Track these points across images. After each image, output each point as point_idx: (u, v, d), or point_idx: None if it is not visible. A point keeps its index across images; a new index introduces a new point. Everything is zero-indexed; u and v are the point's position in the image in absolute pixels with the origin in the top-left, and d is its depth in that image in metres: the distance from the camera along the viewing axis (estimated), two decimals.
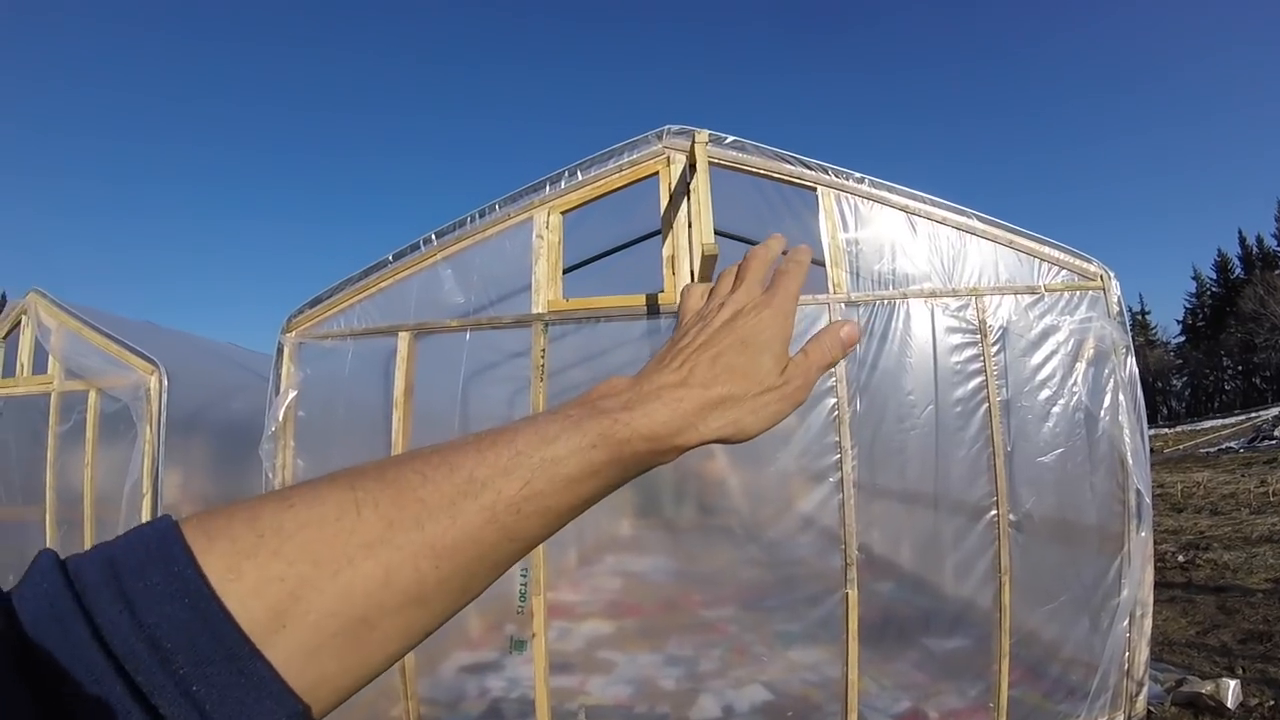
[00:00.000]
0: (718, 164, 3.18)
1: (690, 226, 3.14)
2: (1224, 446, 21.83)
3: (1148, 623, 3.18)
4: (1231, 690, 3.74)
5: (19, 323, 5.34)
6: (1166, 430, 32.63)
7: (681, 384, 0.44)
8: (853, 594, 3.00)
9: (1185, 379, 59.17)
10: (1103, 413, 3.21)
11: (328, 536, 0.32)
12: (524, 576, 3.10)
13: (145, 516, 4.19)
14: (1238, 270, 59.47)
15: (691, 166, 3.13)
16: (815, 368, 0.50)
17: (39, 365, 5.10)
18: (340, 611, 0.31)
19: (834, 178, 3.25)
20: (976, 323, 3.18)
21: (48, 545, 4.74)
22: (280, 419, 3.21)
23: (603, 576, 3.56)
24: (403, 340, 3.23)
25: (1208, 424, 33.12)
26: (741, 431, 0.46)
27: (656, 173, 3.24)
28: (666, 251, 3.17)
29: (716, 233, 2.96)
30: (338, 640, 0.31)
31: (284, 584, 0.30)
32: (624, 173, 3.27)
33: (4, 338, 5.53)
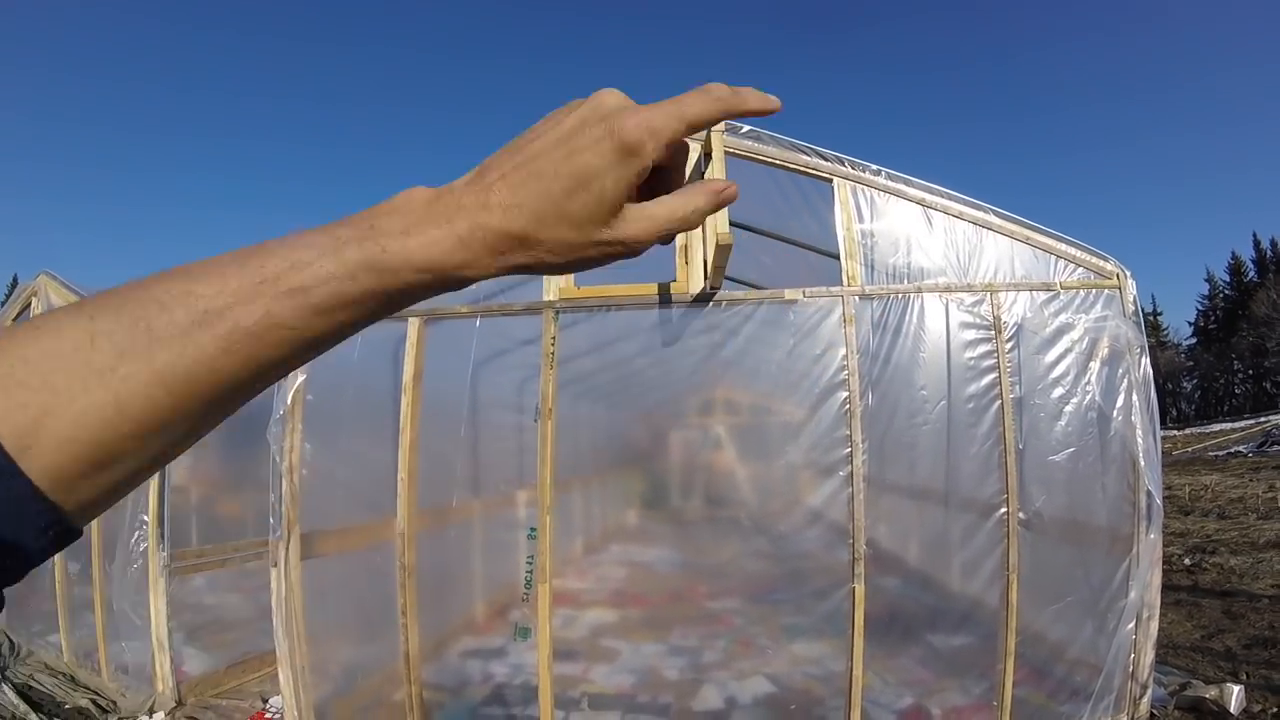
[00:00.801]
0: (733, 153, 3.16)
1: None
2: (1233, 450, 21.75)
3: (1154, 625, 3.16)
4: (1235, 696, 3.72)
5: (29, 304, 5.37)
6: (1175, 432, 32.50)
7: (482, 208, 0.38)
8: (860, 589, 2.99)
9: (1195, 381, 58.76)
10: (1115, 413, 3.18)
11: (65, 367, 0.33)
12: (530, 563, 3.11)
13: (152, 500, 4.21)
14: (1251, 273, 58.92)
15: (707, 155, 3.07)
16: (664, 221, 0.41)
17: None
18: (78, 437, 0.32)
19: (850, 169, 3.21)
20: (991, 319, 3.15)
21: None
22: (289, 402, 3.21)
23: (608, 565, 3.57)
24: (412, 326, 3.22)
25: (1217, 427, 32.99)
26: (546, 267, 0.41)
27: None
28: (680, 241, 3.15)
29: (731, 223, 2.94)
30: (80, 464, 0.33)
31: (27, 411, 0.32)
32: None
33: (14, 319, 5.56)
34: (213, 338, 0.34)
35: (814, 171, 3.24)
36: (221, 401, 0.36)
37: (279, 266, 0.36)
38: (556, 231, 0.39)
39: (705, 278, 3.10)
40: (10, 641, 5.19)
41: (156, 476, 4.21)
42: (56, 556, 4.30)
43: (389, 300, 0.38)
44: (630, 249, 0.41)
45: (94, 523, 4.26)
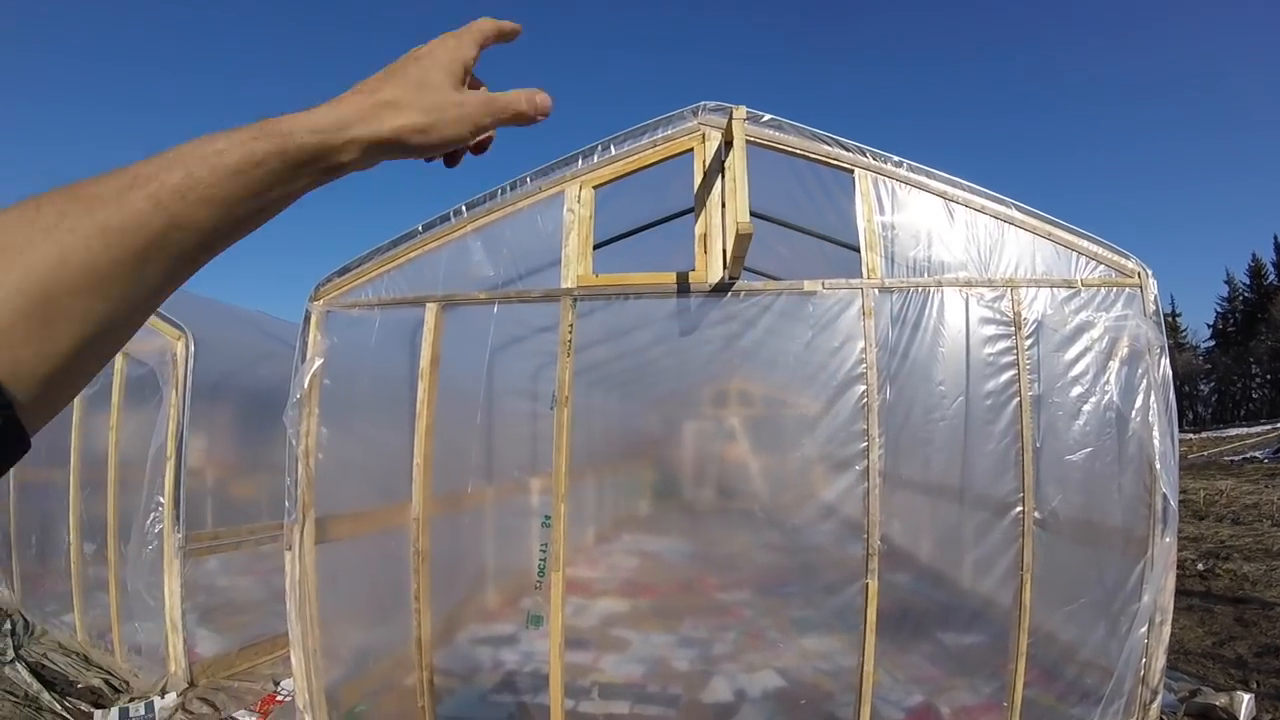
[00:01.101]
0: (754, 142, 3.12)
1: (724, 205, 3.10)
2: (1248, 455, 21.48)
3: (1166, 630, 3.13)
4: (1245, 704, 3.70)
5: None
6: (1191, 435, 32.09)
7: (354, 92, 0.50)
8: (873, 584, 2.97)
9: (1212, 384, 58.07)
10: (1134, 413, 3.15)
11: (11, 229, 0.36)
12: (543, 551, 3.11)
13: (168, 481, 4.24)
14: (1271, 276, 58.18)
15: (728, 144, 3.08)
16: (497, 105, 0.55)
17: None
18: (24, 289, 0.35)
19: (871, 160, 3.18)
20: (1011, 315, 3.12)
21: (71, 506, 4.87)
22: (305, 386, 3.22)
23: (620, 555, 3.56)
24: (430, 311, 3.22)
25: (1233, 431, 32.63)
26: (419, 132, 0.51)
27: (691, 149, 3.19)
28: (699, 230, 3.13)
29: (750, 213, 2.92)
30: (27, 319, 0.35)
31: None
32: (658, 148, 3.22)
33: None
34: (144, 196, 0.39)
35: (835, 162, 3.20)
36: (149, 261, 0.40)
37: (195, 144, 0.42)
38: (421, 96, 0.51)
39: (724, 267, 3.08)
40: (25, 620, 5.26)
41: (173, 460, 4.25)
42: (72, 537, 4.31)
43: (292, 163, 0.45)
44: (476, 114, 0.54)
45: (110, 504, 4.27)
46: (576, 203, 3.21)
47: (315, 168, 0.47)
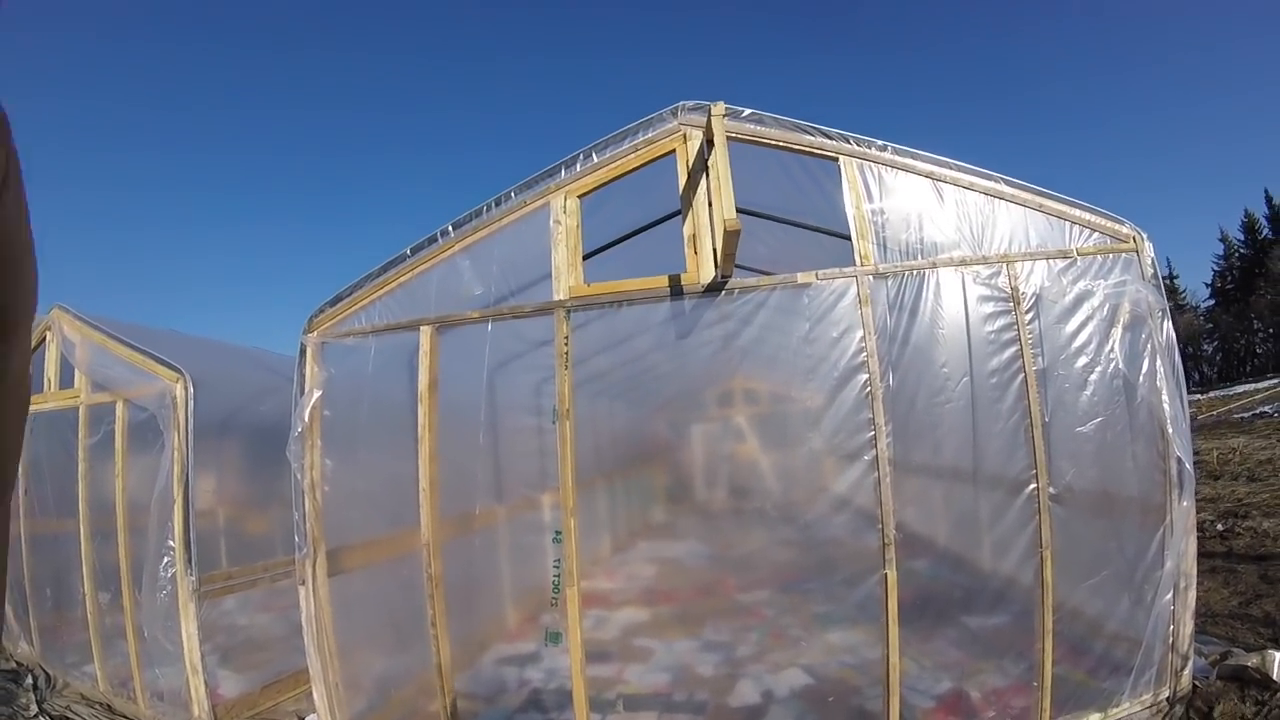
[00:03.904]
0: (736, 138, 3.11)
1: (710, 204, 3.08)
2: (1258, 411, 21.37)
3: (1191, 595, 3.11)
4: (1277, 662, 3.64)
5: (44, 339, 5.40)
6: (1199, 396, 31.96)
7: None
8: (892, 574, 2.94)
9: (1216, 343, 57.81)
10: (1141, 379, 3.13)
11: None
12: (557, 567, 3.08)
13: (178, 524, 4.22)
14: (1265, 231, 57.87)
15: (709, 142, 3.06)
16: None
17: (65, 380, 5.16)
18: None
19: (855, 146, 3.16)
20: (1009, 290, 3.09)
21: (83, 556, 4.84)
22: (306, 419, 3.21)
23: (637, 563, 3.53)
24: (424, 334, 3.20)
25: (1240, 389, 32.50)
26: None
27: (673, 151, 3.18)
28: (688, 230, 3.11)
29: (738, 209, 2.89)
30: None
31: None
32: (640, 152, 3.21)
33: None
34: None
35: (819, 151, 3.18)
36: None
37: None
38: None
39: (716, 266, 3.06)
40: (46, 674, 5.23)
41: (179, 501, 4.22)
42: (87, 586, 4.28)
43: None
44: None
45: (121, 551, 4.25)
46: (563, 213, 3.19)
47: None
